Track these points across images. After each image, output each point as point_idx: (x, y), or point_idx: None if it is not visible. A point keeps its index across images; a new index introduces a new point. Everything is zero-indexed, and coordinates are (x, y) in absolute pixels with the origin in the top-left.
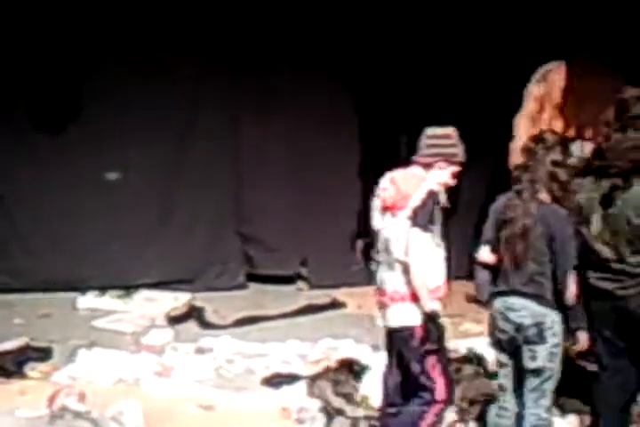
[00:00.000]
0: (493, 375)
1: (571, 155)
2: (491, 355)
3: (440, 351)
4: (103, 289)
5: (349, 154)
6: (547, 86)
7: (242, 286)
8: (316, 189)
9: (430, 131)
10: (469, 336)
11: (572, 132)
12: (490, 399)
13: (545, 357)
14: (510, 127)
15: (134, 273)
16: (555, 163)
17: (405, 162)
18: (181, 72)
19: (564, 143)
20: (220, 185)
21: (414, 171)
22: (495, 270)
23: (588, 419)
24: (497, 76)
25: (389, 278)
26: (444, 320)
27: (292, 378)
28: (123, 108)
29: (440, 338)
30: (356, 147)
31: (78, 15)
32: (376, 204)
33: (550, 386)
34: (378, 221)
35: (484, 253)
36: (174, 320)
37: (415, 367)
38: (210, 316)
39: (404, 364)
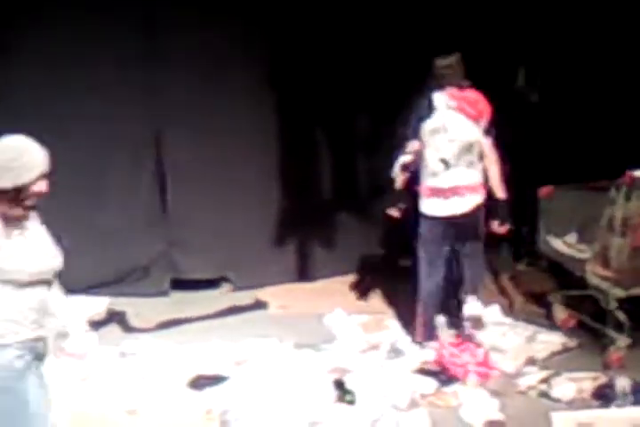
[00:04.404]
0: None
1: None
2: None
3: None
4: None
5: (269, 153)
6: None
7: (165, 291)
8: (235, 188)
9: (452, 58)
10: None
11: None
12: None
13: None
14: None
15: None
16: None
17: None
18: (97, 78)
19: None
20: (142, 190)
21: (468, 92)
22: None
23: None
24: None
25: (468, 174)
26: None
27: (216, 380)
28: (46, 112)
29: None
30: (276, 146)
31: None
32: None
33: None
34: (462, 131)
35: None
36: (96, 325)
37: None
38: (132, 319)
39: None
